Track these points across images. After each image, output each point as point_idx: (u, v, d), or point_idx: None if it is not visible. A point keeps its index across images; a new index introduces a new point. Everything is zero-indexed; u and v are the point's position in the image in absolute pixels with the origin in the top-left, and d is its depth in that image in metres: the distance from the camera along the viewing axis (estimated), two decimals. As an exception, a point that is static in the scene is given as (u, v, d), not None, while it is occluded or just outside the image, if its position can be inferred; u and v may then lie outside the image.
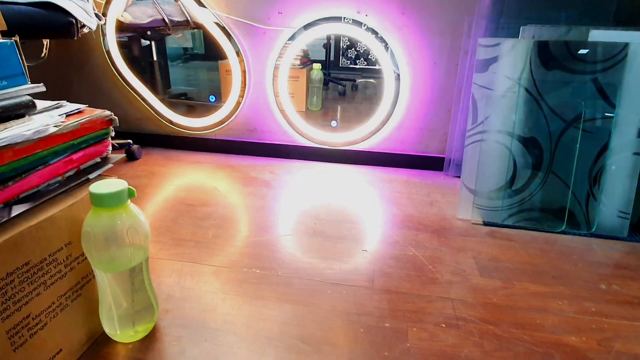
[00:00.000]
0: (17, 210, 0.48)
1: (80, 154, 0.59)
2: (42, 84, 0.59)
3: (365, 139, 1.42)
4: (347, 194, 1.21)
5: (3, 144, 0.46)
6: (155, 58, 1.79)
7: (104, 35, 1.42)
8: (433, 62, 1.30)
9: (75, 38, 0.97)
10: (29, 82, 0.60)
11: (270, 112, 1.45)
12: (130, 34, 1.58)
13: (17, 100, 0.54)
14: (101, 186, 0.54)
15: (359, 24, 1.28)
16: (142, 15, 1.49)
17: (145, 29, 1.51)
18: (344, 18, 1.29)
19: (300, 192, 1.21)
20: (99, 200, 0.53)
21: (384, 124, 1.39)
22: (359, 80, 2.64)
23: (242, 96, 1.43)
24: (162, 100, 1.53)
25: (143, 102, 1.52)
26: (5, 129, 0.49)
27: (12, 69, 0.57)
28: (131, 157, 1.42)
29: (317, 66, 2.01)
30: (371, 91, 2.49)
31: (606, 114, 0.96)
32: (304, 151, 1.48)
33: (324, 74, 2.18)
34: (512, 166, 1.03)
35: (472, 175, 1.05)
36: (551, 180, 1.02)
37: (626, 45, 0.94)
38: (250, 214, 1.05)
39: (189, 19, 1.44)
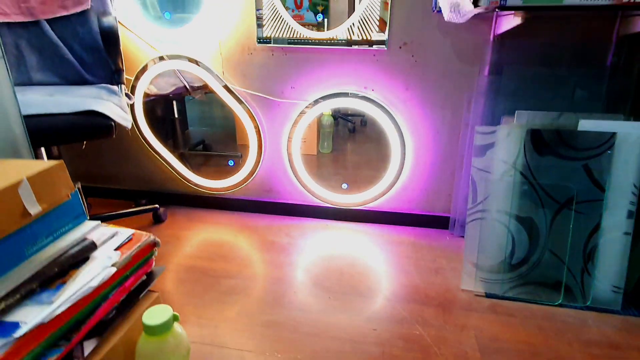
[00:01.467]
0: (88, 347, 0.59)
1: (131, 279, 0.70)
2: (99, 222, 0.70)
3: (373, 199, 1.52)
4: (359, 260, 1.30)
5: (76, 299, 0.57)
6: (176, 115, 1.92)
7: (131, 107, 1.55)
8: (436, 131, 1.40)
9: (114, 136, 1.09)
10: (88, 218, 0.72)
11: (285, 174, 1.56)
12: (152, 98, 1.71)
13: (82, 245, 0.65)
14: (151, 316, 0.64)
15: (366, 98, 1.39)
16: (166, 85, 1.63)
17: (168, 95, 1.64)
18: (350, 93, 1.40)
19: (315, 260, 1.30)
20: (151, 330, 0.63)
21: (392, 186, 1.48)
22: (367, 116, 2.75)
23: (257, 162, 1.54)
24: (182, 155, 1.66)
25: (167, 165, 1.64)
26: (74, 280, 0.60)
27: (75, 211, 0.69)
28: (158, 220, 1.54)
29: (327, 112, 2.13)
30: (379, 127, 2.58)
31: (597, 197, 1.04)
32: (318, 210, 1.58)
33: (333, 112, 2.27)
34: (510, 242, 1.11)
35: (474, 250, 1.14)
36: (548, 257, 1.10)
37: (613, 134, 1.02)
38: (270, 287, 1.15)
39: (207, 83, 1.56)
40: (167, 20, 1.46)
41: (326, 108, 1.43)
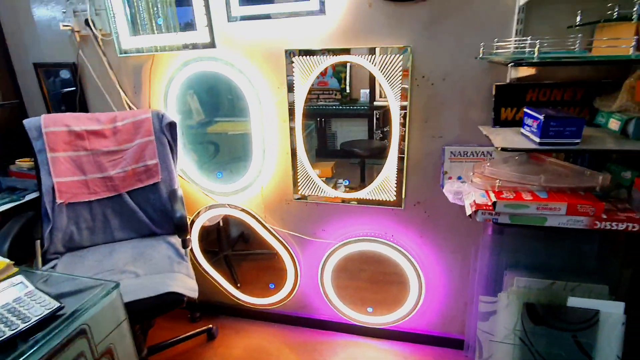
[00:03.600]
0: None
1: None
2: None
3: (396, 322, 1.74)
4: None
5: None
6: (220, 224, 2.22)
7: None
8: (449, 271, 1.61)
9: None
10: None
11: (318, 295, 1.81)
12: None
13: None
14: None
15: (386, 243, 1.62)
16: (216, 218, 1.92)
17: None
18: (374, 239, 1.63)
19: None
20: None
21: (412, 312, 1.70)
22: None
23: (295, 285, 1.80)
24: (226, 258, 1.97)
25: (218, 284, 1.92)
26: None
27: None
28: (211, 337, 1.82)
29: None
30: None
31: (586, 365, 1.22)
32: (346, 327, 1.81)
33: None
34: (513, 395, 1.30)
35: (482, 399, 1.33)
36: (545, 410, 1.28)
37: (597, 312, 1.20)
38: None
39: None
40: (219, 178, 1.76)
41: (352, 249, 1.67)
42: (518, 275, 1.37)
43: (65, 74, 1.77)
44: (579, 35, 1.04)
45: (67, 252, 1.56)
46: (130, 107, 1.73)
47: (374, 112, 1.72)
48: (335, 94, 1.74)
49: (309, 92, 1.51)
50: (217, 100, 1.91)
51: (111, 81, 1.70)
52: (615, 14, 1.10)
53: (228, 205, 1.74)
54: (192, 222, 1.80)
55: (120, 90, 1.70)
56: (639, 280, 1.29)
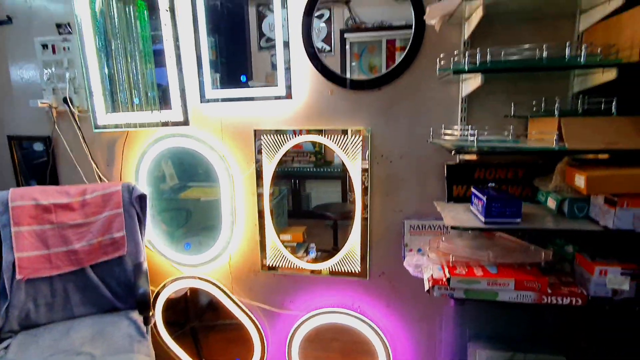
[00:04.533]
0: None
1: None
2: None
3: (366, 397, 1.69)
4: None
5: None
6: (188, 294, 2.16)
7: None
8: (416, 340, 1.62)
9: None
10: None
11: (286, 370, 1.76)
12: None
13: None
14: None
15: (353, 315, 1.63)
16: (183, 289, 1.89)
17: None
18: (340, 311, 1.64)
19: None
20: None
21: (381, 386, 1.67)
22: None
23: (262, 357, 1.74)
24: (192, 330, 1.89)
25: None
26: None
27: None
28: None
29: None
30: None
31: None
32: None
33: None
34: None
35: None
36: None
37: (556, 385, 1.23)
38: None
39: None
40: (187, 250, 1.77)
41: (319, 322, 1.66)
42: (480, 347, 1.39)
43: (38, 146, 1.80)
44: (511, 126, 1.17)
45: (22, 331, 1.49)
46: (101, 180, 1.76)
47: (347, 174, 1.80)
48: (310, 156, 1.81)
49: (284, 154, 1.58)
50: (191, 167, 1.96)
51: (84, 154, 1.74)
52: (542, 109, 1.26)
53: (195, 277, 1.73)
54: (157, 294, 1.77)
55: (93, 163, 1.75)
56: (594, 351, 1.34)
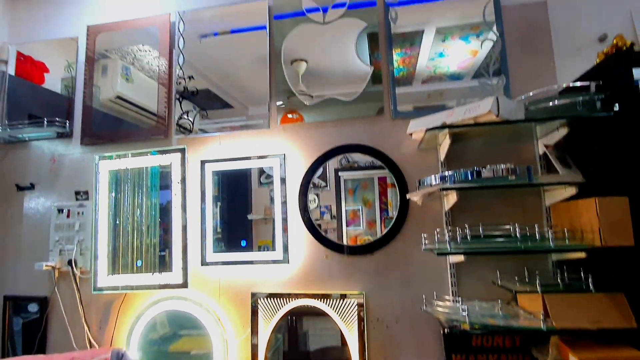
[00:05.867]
0: None
1: None
2: None
3: None
4: None
5: None
6: None
7: None
8: None
9: None
10: None
11: None
12: None
13: None
14: None
15: None
16: None
17: None
18: None
19: None
20: None
21: None
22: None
23: None
24: None
25: None
26: None
27: None
28: None
29: None
30: None
31: None
32: None
33: None
34: None
35: None
36: None
37: None
38: None
39: None
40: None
41: None
42: None
43: (33, 307, 1.80)
44: (499, 301, 1.23)
45: None
46: (91, 344, 1.71)
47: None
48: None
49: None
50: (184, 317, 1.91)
51: (78, 316, 1.72)
52: (526, 279, 1.34)
53: None
54: None
55: (85, 326, 1.72)
56: None
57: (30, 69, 2.04)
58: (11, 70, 2.02)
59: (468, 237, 1.24)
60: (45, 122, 1.84)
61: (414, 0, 1.67)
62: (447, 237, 1.26)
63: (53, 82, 2.02)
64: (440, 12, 1.64)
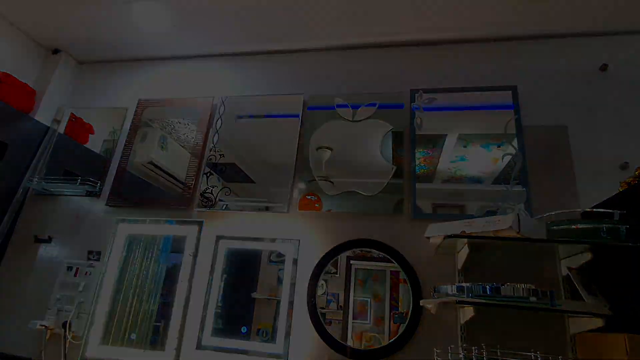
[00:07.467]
0: None
1: None
2: None
3: None
4: None
5: None
6: None
7: None
8: None
9: None
10: None
11: None
12: None
13: None
14: None
15: None
16: None
17: None
18: None
19: None
20: None
21: None
22: None
23: None
24: None
25: None
26: None
27: None
28: None
29: None
30: None
31: None
32: None
33: None
34: None
35: None
36: None
37: None
38: None
39: None
40: None
41: None
42: None
43: (15, 369, 1.70)
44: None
45: None
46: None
47: None
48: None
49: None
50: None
51: (58, 387, 1.61)
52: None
53: None
54: None
55: (62, 399, 1.59)
56: None
57: (78, 129, 2.20)
58: (61, 129, 2.18)
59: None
60: (79, 181, 1.93)
61: (438, 107, 1.79)
62: (461, 356, 1.16)
63: (96, 143, 2.17)
64: (463, 121, 1.74)
